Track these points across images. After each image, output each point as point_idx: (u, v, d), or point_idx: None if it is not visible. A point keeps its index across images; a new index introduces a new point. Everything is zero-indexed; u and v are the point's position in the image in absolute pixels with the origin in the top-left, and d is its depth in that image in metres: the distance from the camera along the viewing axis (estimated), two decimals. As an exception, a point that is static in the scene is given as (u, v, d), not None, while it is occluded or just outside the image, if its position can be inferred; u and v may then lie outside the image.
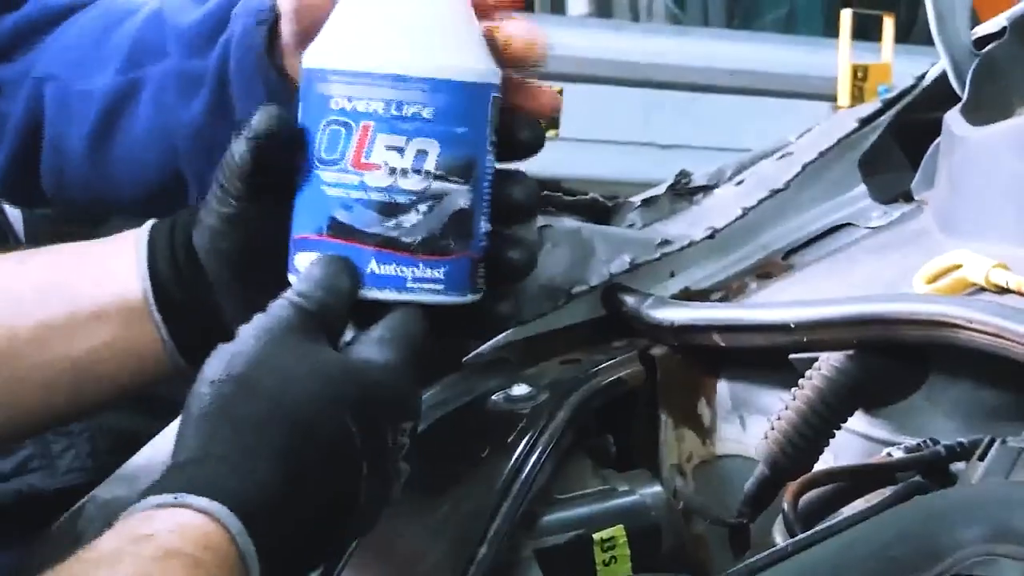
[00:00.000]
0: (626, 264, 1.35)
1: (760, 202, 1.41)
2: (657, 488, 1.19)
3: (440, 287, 0.92)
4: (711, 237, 1.39)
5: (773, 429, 1.20)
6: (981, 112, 1.29)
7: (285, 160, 0.92)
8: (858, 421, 1.23)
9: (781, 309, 1.23)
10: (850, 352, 1.20)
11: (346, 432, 0.82)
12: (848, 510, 1.10)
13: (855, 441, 1.22)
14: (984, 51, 1.33)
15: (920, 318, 1.11)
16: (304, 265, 0.90)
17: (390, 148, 0.87)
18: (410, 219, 0.88)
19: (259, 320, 0.87)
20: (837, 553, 0.98)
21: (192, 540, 0.77)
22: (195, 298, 0.95)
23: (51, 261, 0.98)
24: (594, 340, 1.32)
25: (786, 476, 1.16)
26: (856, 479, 1.12)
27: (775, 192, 1.42)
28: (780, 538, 1.09)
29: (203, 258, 0.95)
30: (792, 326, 1.21)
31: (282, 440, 0.82)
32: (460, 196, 0.90)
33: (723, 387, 1.32)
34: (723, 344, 1.27)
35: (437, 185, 0.88)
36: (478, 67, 0.89)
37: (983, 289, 1.13)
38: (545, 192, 1.41)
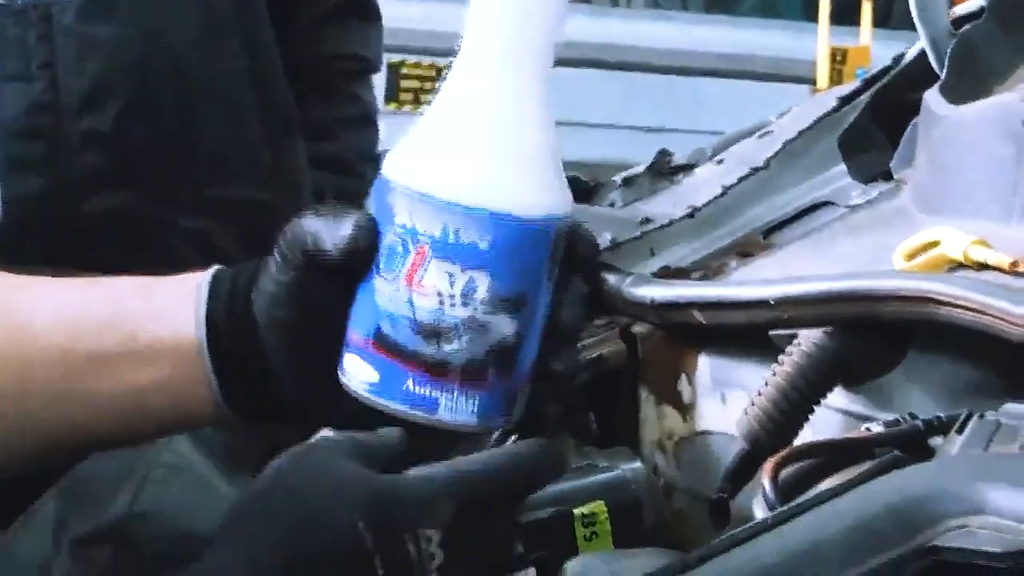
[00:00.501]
0: (607, 242, 1.35)
1: (740, 181, 1.42)
2: (638, 464, 1.19)
3: (472, 415, 0.90)
4: (691, 216, 1.40)
5: (753, 405, 1.21)
6: (960, 91, 1.30)
7: None
8: (837, 397, 1.24)
9: (761, 286, 1.24)
10: (830, 329, 1.21)
11: (353, 529, 0.82)
12: (827, 485, 1.11)
13: (834, 417, 1.23)
14: (962, 31, 1.34)
15: (900, 294, 1.11)
16: (351, 367, 0.89)
17: (442, 274, 0.85)
18: (452, 345, 0.86)
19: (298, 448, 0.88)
20: (815, 526, 0.99)
21: None
22: (248, 355, 0.95)
23: (113, 294, 0.98)
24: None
25: (766, 452, 1.17)
26: (835, 454, 1.13)
27: (755, 171, 1.42)
28: (759, 512, 1.10)
29: (259, 321, 0.95)
30: (772, 303, 1.22)
31: (285, 531, 0.82)
32: (506, 327, 0.88)
33: (704, 364, 1.32)
34: (704, 321, 1.28)
35: (484, 316, 0.86)
36: (544, 203, 0.86)
37: (962, 266, 1.14)
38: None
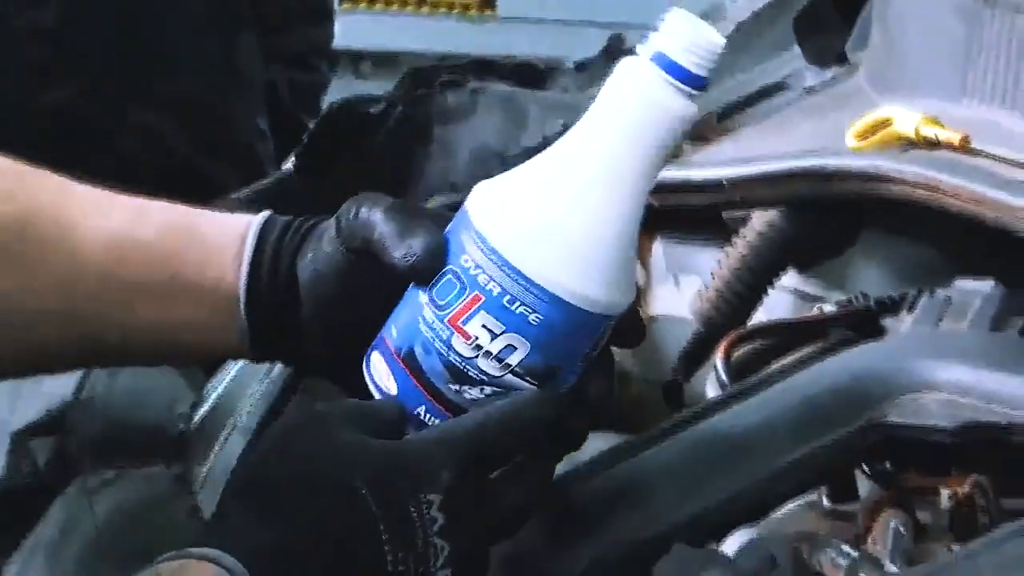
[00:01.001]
0: (560, 128, 1.34)
1: (694, 64, 1.40)
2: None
3: None
4: (645, 100, 1.38)
5: (706, 288, 1.21)
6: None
7: None
8: (791, 279, 1.23)
9: (714, 168, 1.23)
10: (783, 209, 1.20)
11: (356, 496, 0.82)
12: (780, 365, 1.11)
13: (788, 298, 1.23)
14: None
15: (851, 172, 1.11)
16: (376, 366, 0.90)
17: (487, 328, 0.85)
18: (473, 393, 0.87)
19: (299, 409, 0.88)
20: (766, 405, 0.99)
21: None
22: (283, 313, 0.96)
23: (162, 229, 0.97)
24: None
25: (720, 334, 1.17)
26: (788, 334, 1.13)
27: (709, 54, 1.41)
28: (712, 392, 1.10)
29: (301, 288, 0.95)
30: (725, 184, 1.21)
31: (289, 500, 0.82)
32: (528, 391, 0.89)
33: (657, 248, 1.32)
34: (657, 204, 1.27)
35: (511, 378, 0.86)
36: (605, 301, 0.86)
37: (913, 143, 1.13)
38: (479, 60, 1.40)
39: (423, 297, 0.88)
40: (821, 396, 0.98)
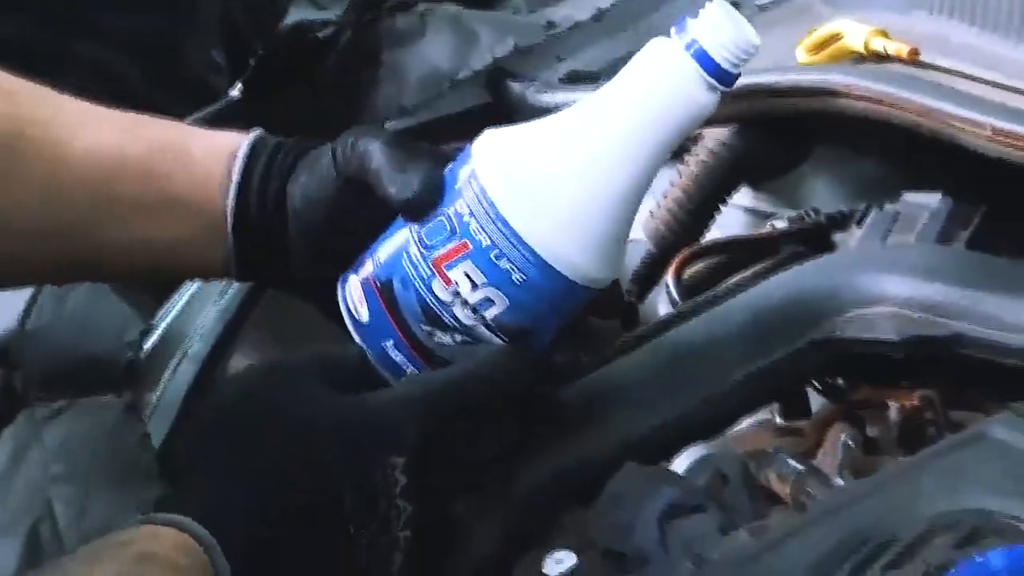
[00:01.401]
0: (510, 48, 1.33)
1: (647, -19, 1.39)
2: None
3: None
4: (598, 19, 1.37)
5: (659, 207, 1.20)
6: None
7: None
8: (743, 196, 1.23)
9: (665, 87, 1.22)
10: (735, 127, 1.19)
11: (322, 460, 0.81)
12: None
13: (740, 216, 1.23)
14: None
15: (801, 88, 1.10)
16: (351, 291, 0.89)
17: (469, 277, 0.85)
18: (443, 338, 0.87)
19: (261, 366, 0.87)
20: (715, 322, 0.99)
21: (171, 547, 0.77)
22: (269, 235, 0.95)
23: (152, 146, 0.96)
24: (480, 128, 1.31)
25: (672, 253, 1.16)
26: (739, 250, 1.13)
27: (662, -29, 1.40)
28: (664, 310, 1.10)
29: (290, 211, 0.94)
30: (676, 103, 1.20)
31: (253, 462, 0.81)
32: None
33: (611, 169, 1.31)
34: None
35: (483, 331, 0.86)
36: (590, 271, 0.86)
37: (863, 57, 1.13)
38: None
39: (411, 233, 0.87)
40: (771, 313, 0.98)
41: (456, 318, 0.86)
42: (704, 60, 0.85)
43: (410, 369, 0.88)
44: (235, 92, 1.39)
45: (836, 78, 1.07)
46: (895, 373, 0.96)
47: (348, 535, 0.81)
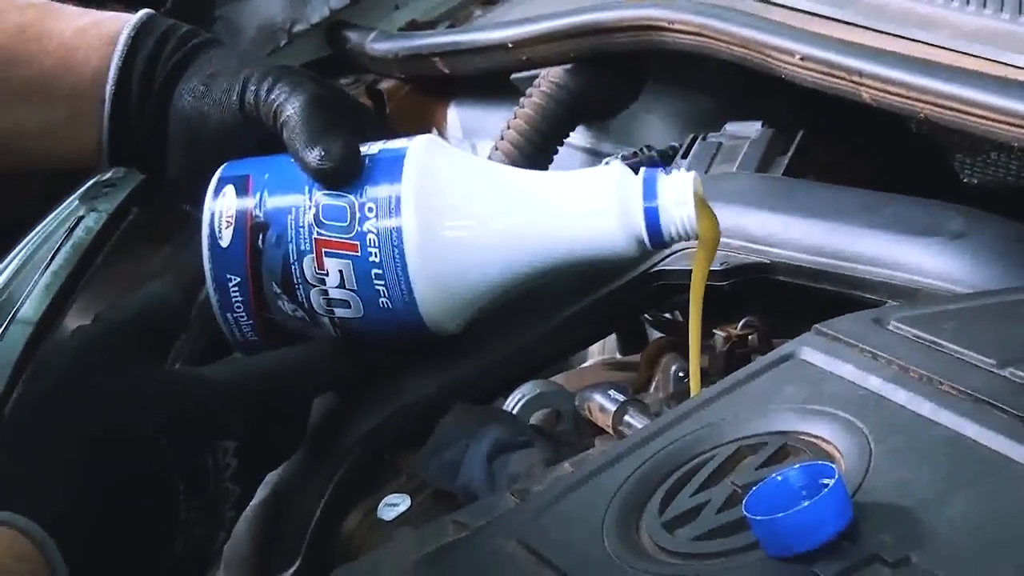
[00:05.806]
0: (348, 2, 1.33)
1: (480, -72, 1.39)
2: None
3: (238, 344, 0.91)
4: (432, -33, 1.37)
5: (497, 149, 1.21)
6: None
7: None
8: (581, 136, 1.24)
9: (498, 30, 1.22)
10: (568, 67, 1.20)
11: (153, 447, 0.80)
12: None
13: (578, 156, 1.23)
14: None
15: (625, 23, 1.11)
16: (222, 205, 0.86)
17: (341, 275, 0.85)
18: (285, 305, 0.86)
19: (82, 337, 0.83)
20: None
21: (2, 550, 0.74)
22: (149, 128, 0.91)
23: (15, 27, 0.92)
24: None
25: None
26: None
27: (495, -83, 1.40)
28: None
29: (172, 117, 0.91)
30: (509, 45, 1.20)
31: (82, 447, 0.79)
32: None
33: (453, 115, 1.31)
34: (447, 71, 1.26)
35: (325, 322, 0.86)
36: (446, 326, 0.88)
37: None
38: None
39: (308, 199, 0.86)
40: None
41: (308, 299, 0.86)
42: (654, 228, 0.85)
43: (240, 312, 0.87)
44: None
45: (657, 12, 1.08)
46: (722, 303, 0.97)
47: (178, 522, 0.81)
